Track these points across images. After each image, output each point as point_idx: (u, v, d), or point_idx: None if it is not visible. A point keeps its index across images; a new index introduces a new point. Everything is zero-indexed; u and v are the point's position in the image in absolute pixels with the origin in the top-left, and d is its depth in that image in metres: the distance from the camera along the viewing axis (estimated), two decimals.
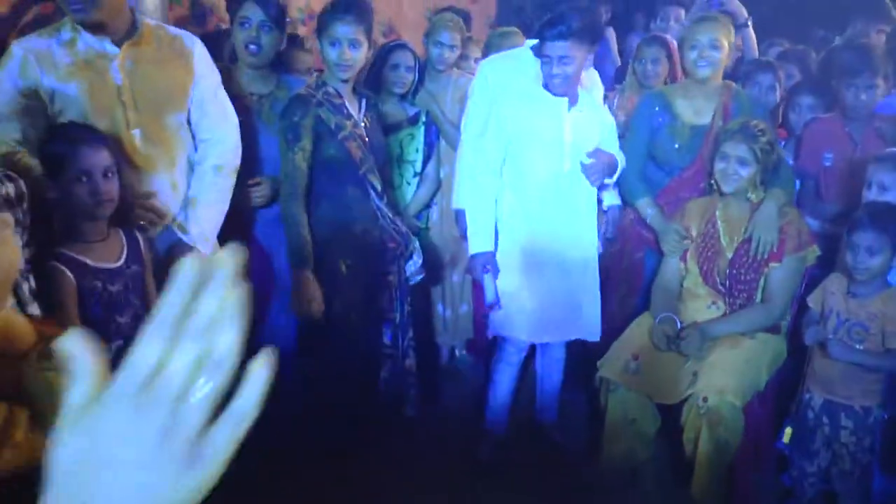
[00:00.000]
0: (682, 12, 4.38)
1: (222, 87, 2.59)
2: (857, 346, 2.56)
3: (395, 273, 2.87)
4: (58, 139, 2.11)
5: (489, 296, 2.85)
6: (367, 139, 2.73)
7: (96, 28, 2.28)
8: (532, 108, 2.82)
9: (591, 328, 2.98)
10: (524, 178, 2.87)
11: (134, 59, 2.35)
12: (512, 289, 2.90)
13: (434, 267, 3.58)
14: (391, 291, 2.88)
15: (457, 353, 4.00)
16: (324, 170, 2.69)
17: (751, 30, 3.85)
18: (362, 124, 2.74)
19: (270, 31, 2.82)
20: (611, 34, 4.81)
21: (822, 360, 2.64)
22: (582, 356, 3.13)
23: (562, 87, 2.76)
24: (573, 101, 2.84)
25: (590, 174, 2.83)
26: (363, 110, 2.78)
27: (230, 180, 2.58)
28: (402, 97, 3.39)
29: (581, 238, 2.96)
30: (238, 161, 2.60)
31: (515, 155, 2.85)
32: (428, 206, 3.54)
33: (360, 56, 2.67)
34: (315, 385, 2.76)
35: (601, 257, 3.11)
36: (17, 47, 2.27)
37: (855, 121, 3.16)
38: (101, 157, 2.09)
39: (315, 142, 2.65)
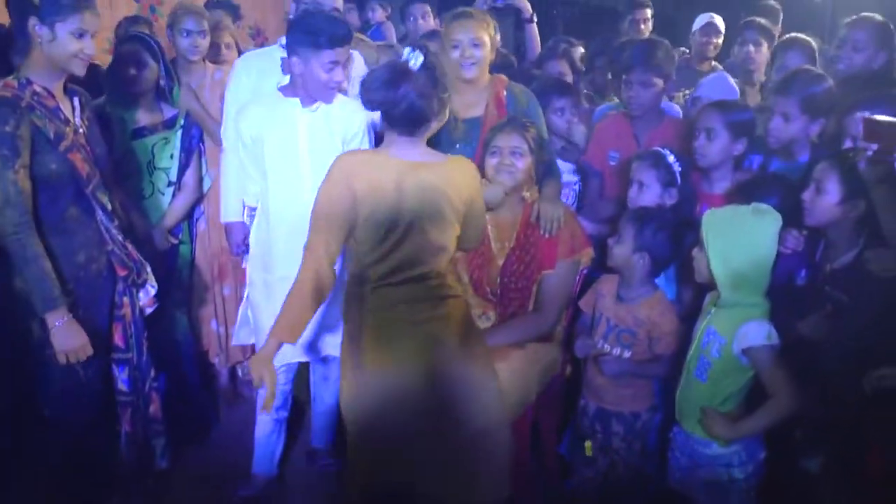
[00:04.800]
0: (428, 8, 4.46)
1: None
2: (626, 352, 2.61)
3: (127, 305, 2.61)
4: None
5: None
6: (89, 147, 2.48)
7: None
8: (269, 111, 2.74)
9: None
10: (266, 184, 2.79)
11: None
12: (261, 307, 2.79)
13: (201, 282, 3.38)
14: (125, 327, 2.62)
15: (240, 373, 3.79)
16: (41, 189, 2.36)
17: (534, 26, 3.86)
18: (81, 130, 2.47)
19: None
20: (388, 28, 4.80)
21: (593, 369, 2.67)
22: None
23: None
24: (307, 102, 2.74)
25: None
26: (78, 111, 2.50)
27: None
28: (160, 97, 3.16)
29: None
30: None
31: (252, 157, 2.78)
32: (189, 216, 3.32)
33: (94, 50, 2.44)
34: (32, 455, 2.50)
35: None
36: None
37: (641, 121, 3.22)
38: None
39: (31, 156, 2.33)
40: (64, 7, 2.32)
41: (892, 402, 2.07)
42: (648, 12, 4.76)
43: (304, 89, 2.68)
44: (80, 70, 2.40)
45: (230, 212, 3.01)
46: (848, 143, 2.57)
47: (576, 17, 8.58)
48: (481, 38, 2.92)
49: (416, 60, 2.19)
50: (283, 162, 2.73)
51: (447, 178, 2.30)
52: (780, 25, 4.85)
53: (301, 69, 2.61)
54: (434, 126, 2.32)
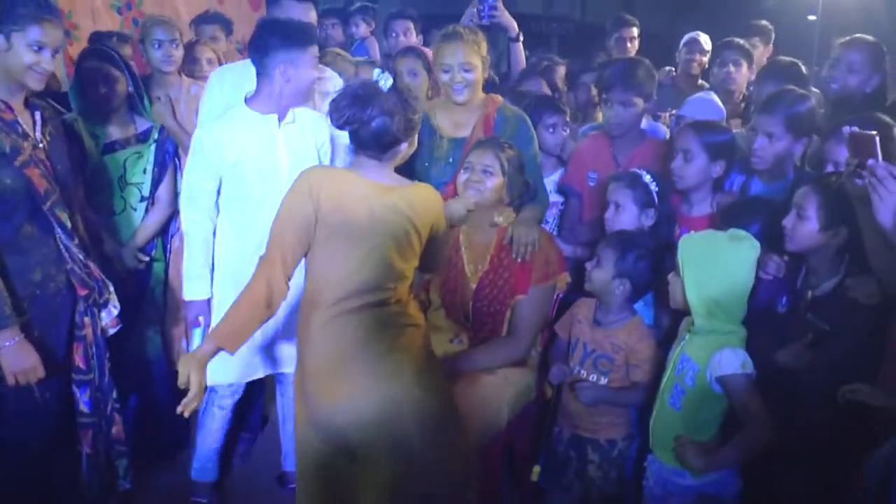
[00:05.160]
0: (411, 25, 4.44)
1: None
2: (603, 379, 2.55)
3: (88, 326, 2.53)
4: None
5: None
6: (49, 163, 2.40)
7: None
8: (242, 128, 2.67)
9: None
10: (239, 205, 2.72)
11: None
12: None
13: (174, 301, 3.32)
14: (86, 348, 2.53)
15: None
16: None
17: (520, 45, 3.83)
18: (42, 145, 2.40)
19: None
20: (372, 43, 4.79)
21: (568, 395, 2.62)
22: None
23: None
24: (282, 117, 2.71)
25: None
26: (39, 126, 2.43)
27: None
28: (132, 109, 3.11)
29: None
30: None
31: (229, 181, 2.70)
32: (164, 232, 3.27)
33: (55, 63, 2.41)
34: None
35: None
36: None
37: (620, 141, 3.17)
38: None
39: None
40: (21, 17, 2.25)
41: (863, 415, 2.05)
42: (635, 30, 4.72)
43: (288, 98, 2.64)
44: (35, 84, 2.34)
45: (195, 289, 2.81)
46: (830, 168, 2.53)
47: (570, 34, 8.59)
48: (472, 62, 2.85)
49: (385, 82, 2.17)
50: (263, 181, 2.67)
51: (413, 204, 2.24)
52: (771, 45, 4.83)
53: (291, 74, 2.58)
54: (404, 150, 2.28)
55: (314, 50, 2.64)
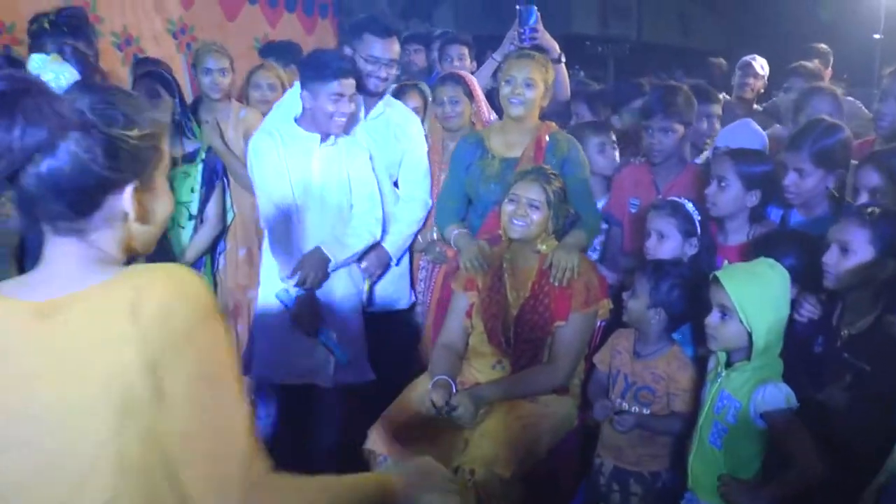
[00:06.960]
0: (466, 50, 4.39)
1: None
2: (645, 410, 2.52)
3: None
4: None
5: None
6: None
7: None
8: (286, 145, 2.95)
9: (323, 375, 3.03)
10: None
11: None
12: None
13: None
14: None
15: None
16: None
17: (563, 66, 3.82)
18: None
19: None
20: None
21: (609, 427, 2.59)
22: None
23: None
24: (325, 138, 2.93)
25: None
26: None
27: None
28: (179, 131, 3.20)
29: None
30: None
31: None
32: (213, 250, 3.34)
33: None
34: None
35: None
36: None
37: (661, 168, 3.16)
38: None
39: None
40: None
41: None
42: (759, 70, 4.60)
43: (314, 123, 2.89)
44: None
45: None
46: (864, 198, 2.46)
47: (626, 54, 8.53)
48: (535, 79, 2.96)
49: (58, 76, 1.12)
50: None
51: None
52: (830, 69, 4.73)
53: (311, 103, 2.84)
54: (131, 207, 1.18)
55: (336, 84, 2.79)
